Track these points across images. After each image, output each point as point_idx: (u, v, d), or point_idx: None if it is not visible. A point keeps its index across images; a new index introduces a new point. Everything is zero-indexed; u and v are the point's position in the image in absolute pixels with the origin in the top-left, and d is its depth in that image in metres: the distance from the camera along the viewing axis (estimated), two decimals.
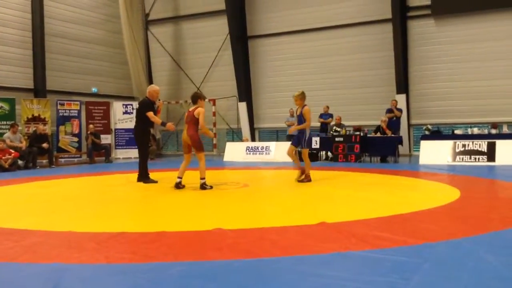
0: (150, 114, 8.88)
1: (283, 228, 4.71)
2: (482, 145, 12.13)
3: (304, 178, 8.68)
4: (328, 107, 15.88)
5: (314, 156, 14.89)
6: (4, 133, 13.81)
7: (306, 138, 8.69)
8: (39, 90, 16.50)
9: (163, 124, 9.09)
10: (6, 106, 14.93)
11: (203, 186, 7.91)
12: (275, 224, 4.90)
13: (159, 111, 9.57)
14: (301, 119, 8.70)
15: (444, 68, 15.92)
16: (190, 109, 8.15)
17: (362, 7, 16.92)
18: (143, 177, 9.11)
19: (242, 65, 18.76)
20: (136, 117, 9.32)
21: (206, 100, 8.33)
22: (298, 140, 8.79)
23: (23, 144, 13.50)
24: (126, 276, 3.28)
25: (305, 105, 8.72)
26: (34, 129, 14.80)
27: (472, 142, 12.28)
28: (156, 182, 8.93)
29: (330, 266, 3.39)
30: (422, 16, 16.15)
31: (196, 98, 8.18)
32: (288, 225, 4.82)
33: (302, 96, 8.74)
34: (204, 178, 7.96)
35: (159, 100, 9.42)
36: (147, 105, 8.98)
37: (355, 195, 6.94)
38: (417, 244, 3.92)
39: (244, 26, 19.02)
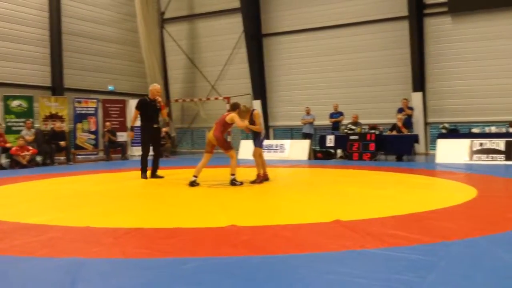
0: (135, 113, 9.61)
1: (298, 225, 4.72)
2: (500, 144, 11.97)
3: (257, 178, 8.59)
4: (337, 105, 15.80)
5: (329, 154, 14.87)
6: (22, 130, 14.01)
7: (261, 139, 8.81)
8: (56, 88, 16.71)
9: (131, 128, 9.76)
10: (24, 104, 15.16)
11: (233, 182, 8.01)
12: (289, 221, 4.91)
13: (162, 108, 9.79)
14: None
15: (461, 66, 15.72)
16: (226, 113, 8.38)
17: (377, 4, 16.79)
18: (153, 173, 9.55)
19: (256, 63, 18.76)
20: None
21: (244, 110, 8.40)
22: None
23: (31, 138, 13.58)
24: (143, 271, 3.32)
25: (254, 109, 8.89)
26: (51, 126, 15.00)
27: (490, 140, 12.13)
28: (146, 178, 9.33)
29: (345, 264, 3.39)
30: (438, 14, 15.96)
31: (235, 107, 8.31)
32: (302, 223, 4.83)
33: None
34: (234, 175, 8.05)
35: (159, 99, 9.64)
36: (138, 103, 9.60)
37: (370, 193, 6.91)
38: (433, 243, 3.90)
39: (259, 24, 19.01)
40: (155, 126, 9.61)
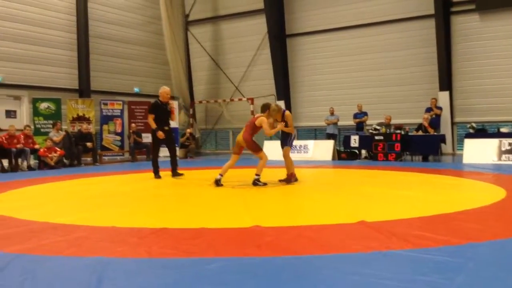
0: (150, 117, 9.65)
1: (322, 226, 4.69)
2: None
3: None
4: (361, 105, 15.65)
5: (353, 155, 14.74)
6: (50, 132, 14.30)
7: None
8: (83, 90, 17.03)
9: (155, 130, 9.62)
10: (52, 106, 15.48)
11: (255, 182, 7.99)
12: (313, 222, 4.88)
13: (172, 112, 10.07)
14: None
15: (489, 64, 15.40)
16: (256, 115, 8.35)
17: (403, 3, 16.58)
18: (173, 172, 9.84)
19: (280, 64, 18.74)
20: None
21: (276, 110, 8.25)
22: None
23: (59, 139, 13.81)
24: (168, 270, 3.34)
25: (285, 110, 8.71)
26: (79, 128, 15.28)
27: None
28: (160, 178, 9.61)
29: (370, 265, 3.35)
30: (466, 12, 15.68)
31: (265, 108, 8.27)
32: (327, 224, 4.80)
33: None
34: (258, 175, 8.04)
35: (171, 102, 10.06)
36: (150, 106, 9.88)
37: (395, 194, 6.82)
38: (460, 244, 3.81)
39: (283, 24, 19.00)
40: (166, 128, 9.80)
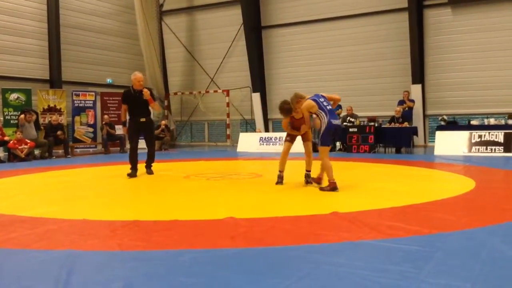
0: (123, 108, 8.82)
1: (296, 217, 4.71)
2: (499, 135, 11.96)
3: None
4: None
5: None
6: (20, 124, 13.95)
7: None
8: (55, 81, 16.67)
9: (123, 123, 8.99)
10: (22, 97, 15.11)
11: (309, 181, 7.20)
12: (287, 213, 4.90)
13: (150, 101, 8.60)
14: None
15: (460, 58, 15.68)
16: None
17: None
18: (146, 167, 8.93)
19: (256, 56, 18.68)
20: None
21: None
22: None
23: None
24: (139, 263, 3.31)
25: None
26: (49, 119, 14.96)
27: (489, 132, 12.11)
28: (134, 177, 8.45)
29: (342, 255, 3.38)
30: (438, 5, 15.89)
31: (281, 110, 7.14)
32: (300, 215, 4.82)
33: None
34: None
35: (145, 90, 8.56)
36: (122, 95, 8.86)
37: (368, 185, 6.91)
38: (430, 234, 3.89)
39: (258, 16, 18.92)
40: (142, 119, 8.63)
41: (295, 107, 6.88)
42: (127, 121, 8.92)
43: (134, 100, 8.58)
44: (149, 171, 8.90)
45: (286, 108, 6.90)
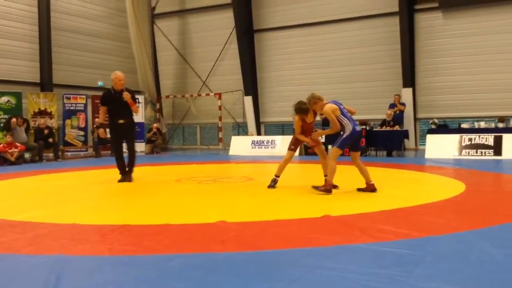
0: (101, 109, 8.62)
1: (287, 221, 4.71)
2: (489, 139, 12.04)
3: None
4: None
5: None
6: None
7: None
8: (45, 84, 16.57)
9: (98, 126, 8.59)
10: (13, 100, 15.00)
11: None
12: (279, 217, 4.89)
13: (131, 104, 8.20)
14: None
15: (451, 62, 15.80)
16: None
17: (368, 0, 16.81)
18: (127, 172, 8.39)
19: (248, 59, 18.71)
20: None
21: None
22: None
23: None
24: (129, 268, 3.29)
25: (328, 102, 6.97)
26: (39, 123, 14.85)
27: (479, 136, 12.20)
28: (126, 181, 8.21)
29: (333, 259, 3.39)
30: (429, 9, 16.02)
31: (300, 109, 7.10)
32: (292, 218, 4.82)
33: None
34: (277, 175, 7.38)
35: (125, 93, 8.14)
36: (101, 96, 8.58)
37: None
38: (420, 237, 3.91)
39: (250, 19, 18.96)
40: (121, 121, 8.21)
41: (312, 108, 6.89)
42: (109, 124, 8.56)
43: (114, 101, 8.24)
44: (129, 178, 8.30)
45: (304, 108, 6.94)
